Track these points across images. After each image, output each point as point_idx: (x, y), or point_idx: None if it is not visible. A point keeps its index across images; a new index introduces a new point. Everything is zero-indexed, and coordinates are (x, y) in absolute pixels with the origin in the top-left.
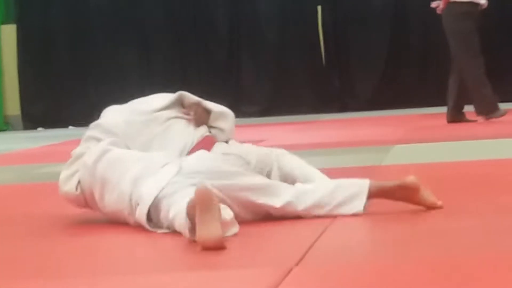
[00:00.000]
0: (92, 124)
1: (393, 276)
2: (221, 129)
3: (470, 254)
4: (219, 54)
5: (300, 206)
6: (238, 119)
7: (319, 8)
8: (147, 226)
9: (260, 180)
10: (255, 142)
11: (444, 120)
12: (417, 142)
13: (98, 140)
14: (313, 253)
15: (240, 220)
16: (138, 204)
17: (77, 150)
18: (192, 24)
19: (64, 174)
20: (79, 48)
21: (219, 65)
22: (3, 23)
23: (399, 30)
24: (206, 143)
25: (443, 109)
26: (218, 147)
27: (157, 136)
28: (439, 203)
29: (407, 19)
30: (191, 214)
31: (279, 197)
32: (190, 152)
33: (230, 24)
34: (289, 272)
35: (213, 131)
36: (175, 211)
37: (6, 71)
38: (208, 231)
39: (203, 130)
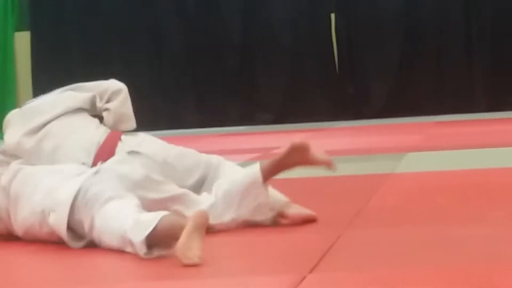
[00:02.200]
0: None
1: (409, 283)
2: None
3: (487, 263)
4: (232, 62)
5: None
6: (252, 127)
7: (333, 15)
8: (64, 235)
9: (178, 189)
10: (269, 149)
11: (458, 128)
12: (430, 149)
13: (8, 163)
14: (327, 259)
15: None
16: (51, 212)
17: None
18: (206, 32)
19: None
20: (93, 55)
21: (233, 72)
22: (17, 30)
23: (412, 37)
24: (113, 140)
25: (457, 117)
26: (125, 143)
27: (59, 147)
28: (332, 165)
29: (420, 26)
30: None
31: (202, 204)
32: (98, 153)
33: (243, 31)
34: (302, 279)
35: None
36: (134, 220)
37: (20, 78)
38: (190, 250)
39: (104, 127)
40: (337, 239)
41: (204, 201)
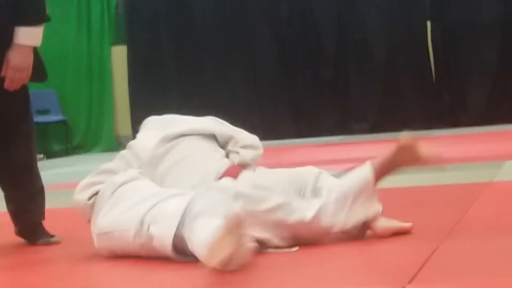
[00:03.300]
0: (129, 144)
1: None
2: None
3: None
4: (326, 72)
5: (329, 210)
6: (347, 137)
7: (428, 23)
8: (169, 246)
9: (283, 198)
10: (366, 159)
11: None
12: None
13: (128, 162)
14: (426, 270)
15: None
16: (152, 224)
17: (108, 165)
18: (299, 42)
19: (84, 181)
20: (188, 69)
21: (326, 82)
22: (114, 44)
23: (510, 42)
24: (232, 173)
25: None
26: (246, 177)
27: (179, 163)
28: (441, 158)
29: None
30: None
31: (308, 210)
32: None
33: (337, 41)
34: None
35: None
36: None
37: (117, 92)
38: (218, 250)
39: (228, 160)
40: (436, 249)
41: (309, 206)
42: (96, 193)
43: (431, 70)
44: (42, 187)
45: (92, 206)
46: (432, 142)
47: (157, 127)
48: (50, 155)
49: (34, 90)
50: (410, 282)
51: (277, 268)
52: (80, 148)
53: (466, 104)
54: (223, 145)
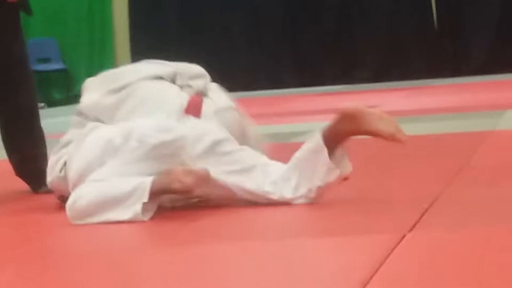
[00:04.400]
0: (77, 109)
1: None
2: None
3: None
4: (329, 21)
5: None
6: (350, 86)
7: None
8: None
9: (248, 161)
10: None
11: None
12: None
13: (83, 124)
14: (427, 218)
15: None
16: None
17: (65, 137)
18: None
19: (50, 160)
20: (189, 17)
21: (330, 31)
22: None
23: None
24: (195, 104)
25: None
26: (208, 106)
27: (140, 105)
28: (402, 136)
29: None
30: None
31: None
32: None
33: None
34: (402, 238)
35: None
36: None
37: (118, 40)
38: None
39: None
40: (437, 197)
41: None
42: (65, 164)
43: (433, 19)
44: (44, 135)
45: (65, 177)
46: (433, 91)
47: (99, 86)
48: (51, 103)
49: (36, 39)
50: (410, 230)
51: (283, 219)
52: (80, 96)
53: (468, 52)
54: (172, 83)
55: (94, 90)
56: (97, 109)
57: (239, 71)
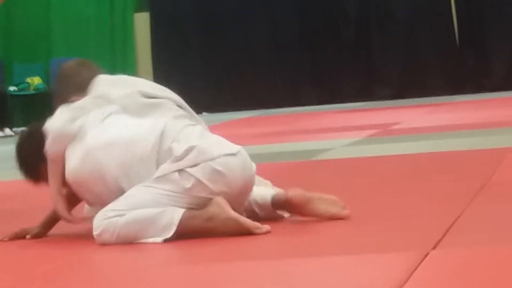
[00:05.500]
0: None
1: None
2: None
3: None
4: (348, 37)
5: None
6: (370, 102)
7: None
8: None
9: None
10: (388, 125)
11: None
12: None
13: (101, 104)
14: (451, 235)
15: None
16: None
17: (81, 102)
18: (321, 7)
19: (65, 115)
20: (210, 35)
21: (348, 48)
22: (137, 11)
23: None
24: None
25: None
26: None
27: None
28: (344, 212)
29: None
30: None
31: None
32: None
33: (359, 4)
34: (426, 255)
35: None
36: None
37: (140, 58)
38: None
39: None
40: (461, 214)
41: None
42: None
43: (454, 34)
44: None
45: (76, 134)
46: (455, 107)
47: (110, 84)
48: None
49: (58, 58)
50: (434, 247)
51: (302, 231)
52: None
53: (490, 68)
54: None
55: (104, 85)
56: (124, 100)
57: (259, 89)
